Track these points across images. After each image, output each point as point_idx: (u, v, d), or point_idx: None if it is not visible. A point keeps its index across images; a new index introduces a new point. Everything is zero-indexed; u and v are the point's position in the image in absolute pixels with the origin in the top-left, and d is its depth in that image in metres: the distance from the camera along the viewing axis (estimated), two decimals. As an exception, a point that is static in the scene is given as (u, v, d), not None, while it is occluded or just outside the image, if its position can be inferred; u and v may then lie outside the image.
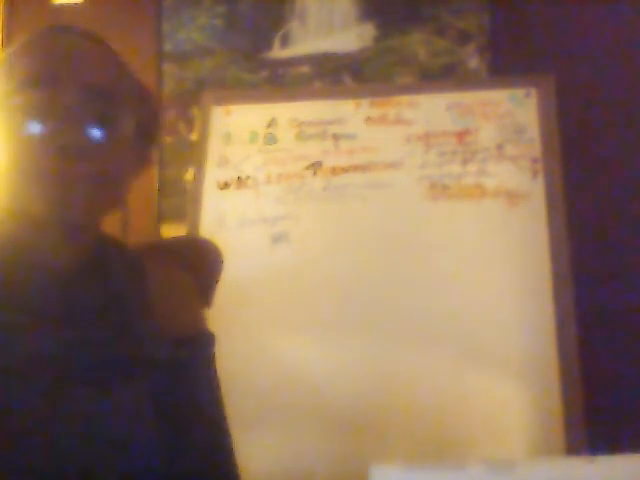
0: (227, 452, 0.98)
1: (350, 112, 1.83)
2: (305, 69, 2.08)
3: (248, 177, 1.82)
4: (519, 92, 1.78)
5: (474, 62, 1.99)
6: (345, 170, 1.79)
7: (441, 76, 2.00)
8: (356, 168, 1.79)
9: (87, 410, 0.84)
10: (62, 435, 0.82)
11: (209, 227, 1.78)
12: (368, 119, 1.82)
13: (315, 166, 1.80)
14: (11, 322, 0.84)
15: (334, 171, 1.79)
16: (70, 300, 0.88)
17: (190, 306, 1.03)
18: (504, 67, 1.96)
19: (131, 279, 0.96)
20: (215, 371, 1.00)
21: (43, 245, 0.89)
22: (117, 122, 0.89)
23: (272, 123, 1.86)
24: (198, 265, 1.10)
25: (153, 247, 1.22)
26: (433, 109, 1.80)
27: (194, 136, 2.04)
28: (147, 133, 0.98)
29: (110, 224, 0.97)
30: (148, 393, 0.90)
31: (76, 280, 0.90)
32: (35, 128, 0.85)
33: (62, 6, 2.18)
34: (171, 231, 2.04)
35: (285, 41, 2.11)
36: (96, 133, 0.87)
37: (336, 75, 2.06)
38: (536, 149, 1.73)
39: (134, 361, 0.89)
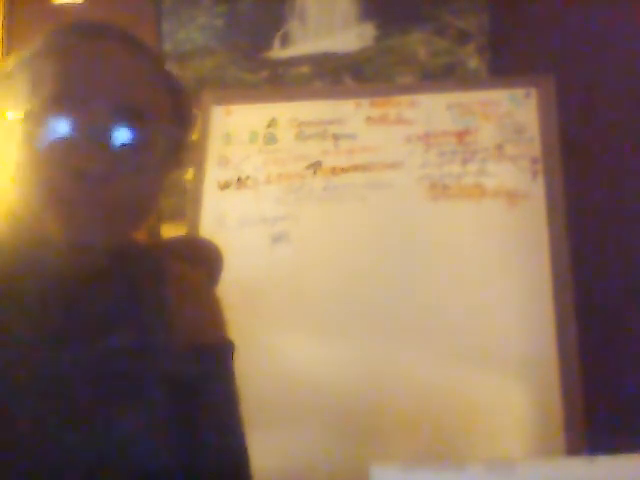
0: (244, 465, 0.95)
1: (350, 112, 1.83)
2: (305, 69, 2.08)
3: (248, 177, 1.82)
4: (519, 92, 1.78)
5: (474, 62, 1.99)
6: (345, 170, 1.79)
7: (441, 76, 2.00)
8: (356, 168, 1.78)
9: (103, 423, 0.82)
10: (76, 448, 0.81)
11: (209, 227, 1.78)
12: (368, 119, 1.82)
13: (315, 166, 1.80)
14: (24, 336, 0.81)
15: (334, 171, 1.79)
16: (86, 312, 0.85)
17: (212, 312, 1.00)
18: (504, 67, 1.96)
19: (153, 285, 0.92)
20: (235, 381, 0.98)
21: (56, 261, 0.82)
22: (150, 142, 0.81)
23: (272, 123, 1.86)
24: (198, 265, 1.09)
25: (154, 247, 1.22)
26: (433, 109, 1.80)
27: (194, 136, 2.03)
28: (181, 142, 0.89)
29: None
30: (167, 404, 0.87)
31: (93, 290, 0.86)
32: (57, 150, 0.77)
33: (62, 6, 2.18)
34: (171, 231, 2.03)
35: (285, 41, 2.11)
36: (125, 156, 0.78)
37: (336, 75, 2.06)
38: (536, 149, 1.73)
39: (153, 371, 0.87)
